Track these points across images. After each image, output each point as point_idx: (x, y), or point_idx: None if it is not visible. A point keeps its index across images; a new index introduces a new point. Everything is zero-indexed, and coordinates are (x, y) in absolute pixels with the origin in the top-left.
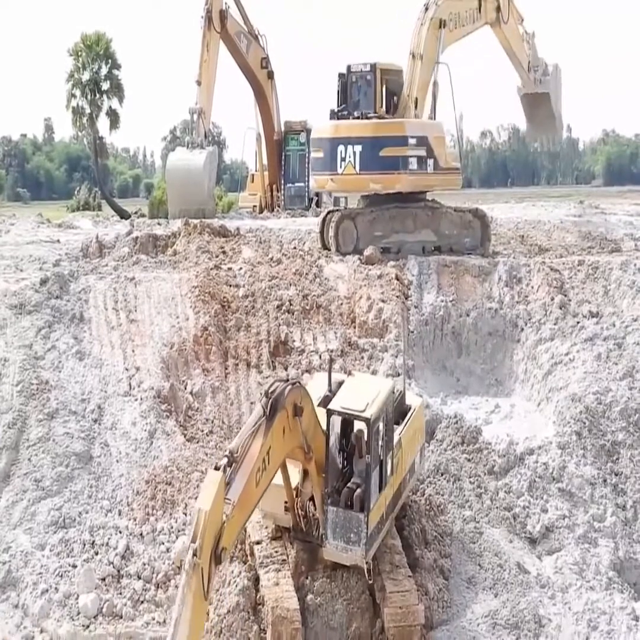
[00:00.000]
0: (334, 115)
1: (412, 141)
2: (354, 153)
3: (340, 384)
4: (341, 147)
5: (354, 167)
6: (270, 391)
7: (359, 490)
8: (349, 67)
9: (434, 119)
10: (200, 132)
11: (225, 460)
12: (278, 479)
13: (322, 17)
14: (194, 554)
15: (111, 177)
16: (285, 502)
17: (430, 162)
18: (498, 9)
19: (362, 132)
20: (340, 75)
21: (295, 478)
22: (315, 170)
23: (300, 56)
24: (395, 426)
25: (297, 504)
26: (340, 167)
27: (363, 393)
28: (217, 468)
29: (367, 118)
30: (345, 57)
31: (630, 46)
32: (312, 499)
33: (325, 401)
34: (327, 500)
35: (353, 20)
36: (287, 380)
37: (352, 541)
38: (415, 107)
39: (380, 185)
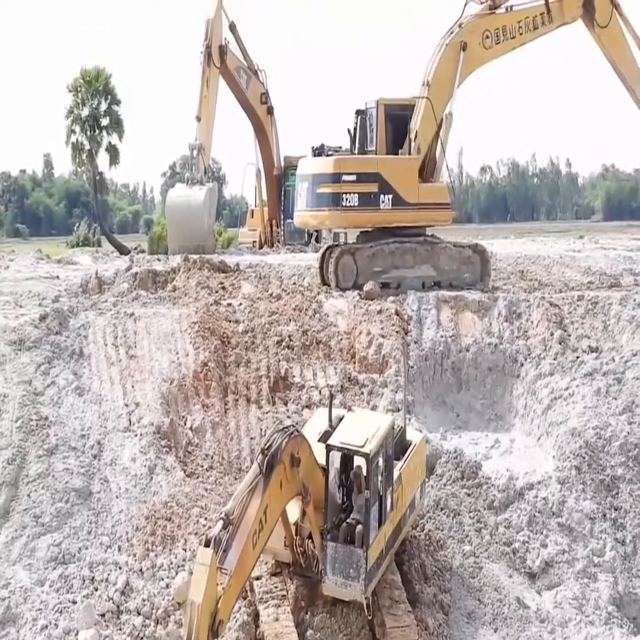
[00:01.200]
0: (313, 152)
1: (349, 178)
2: (305, 190)
3: (341, 419)
4: (302, 184)
5: (304, 204)
6: (266, 447)
7: (358, 526)
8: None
9: (444, 154)
10: (200, 168)
11: (218, 527)
12: None
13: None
14: None
15: (111, 213)
16: (285, 538)
17: (387, 198)
18: (586, 4)
19: (310, 170)
20: (358, 112)
21: (294, 514)
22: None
23: (304, 91)
24: (395, 462)
25: (296, 540)
26: (298, 203)
27: (362, 428)
28: (207, 544)
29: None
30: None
31: None
32: (311, 535)
33: (325, 436)
34: (327, 536)
35: (366, 51)
36: (284, 429)
37: (351, 577)
38: (414, 139)
39: (317, 222)
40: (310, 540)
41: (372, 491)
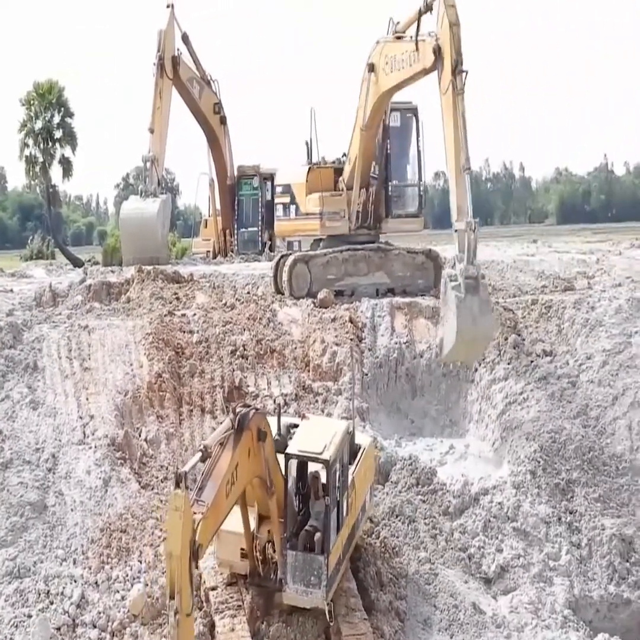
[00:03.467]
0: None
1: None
2: None
3: (290, 427)
4: None
5: None
6: (236, 409)
7: (317, 533)
8: None
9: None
10: (154, 180)
11: (192, 461)
12: (233, 526)
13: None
14: (176, 613)
15: (64, 225)
16: (242, 549)
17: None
18: (437, 52)
19: None
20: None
21: (252, 523)
22: None
23: (256, 98)
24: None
25: (255, 548)
26: None
27: (319, 435)
28: (177, 482)
29: None
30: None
31: (583, 85)
32: (270, 542)
33: (277, 445)
34: (286, 545)
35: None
36: (250, 406)
37: (312, 584)
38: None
39: None
40: (271, 547)
41: (332, 497)
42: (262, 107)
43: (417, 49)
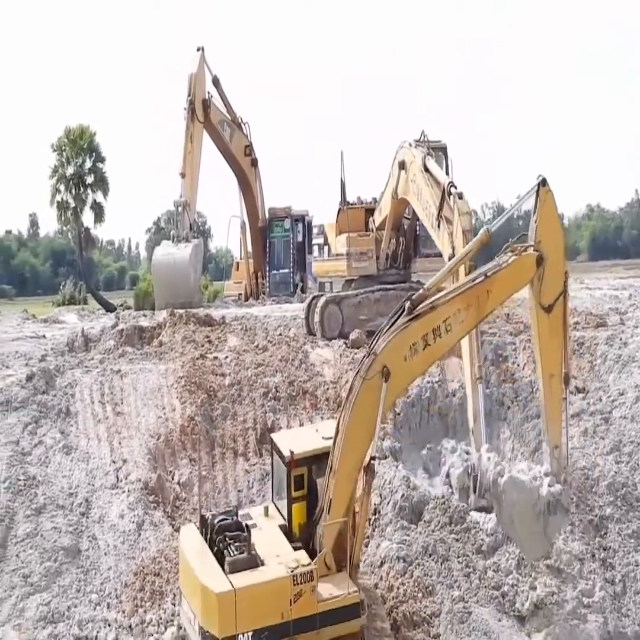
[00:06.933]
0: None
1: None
2: None
3: None
4: None
5: None
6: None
7: None
8: None
9: None
10: (185, 225)
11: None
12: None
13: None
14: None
15: (96, 270)
16: None
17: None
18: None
19: None
20: None
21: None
22: None
23: (288, 141)
24: None
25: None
26: None
27: None
28: None
29: None
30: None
31: (613, 120)
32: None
33: None
34: None
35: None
36: None
37: None
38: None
39: None
40: None
41: None
42: (294, 148)
43: (438, 225)
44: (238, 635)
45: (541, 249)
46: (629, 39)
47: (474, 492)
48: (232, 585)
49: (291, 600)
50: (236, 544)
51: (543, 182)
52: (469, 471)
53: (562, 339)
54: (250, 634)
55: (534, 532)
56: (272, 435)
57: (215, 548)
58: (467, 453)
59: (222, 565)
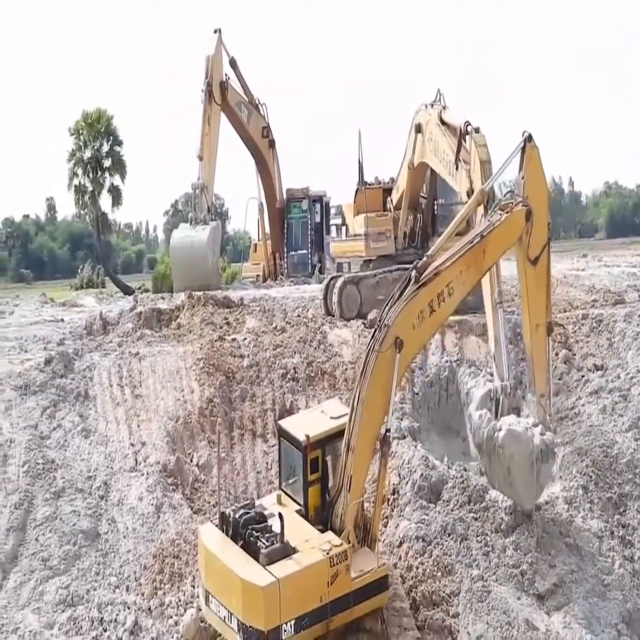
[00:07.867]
0: None
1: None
2: None
3: None
4: None
5: None
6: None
7: None
8: None
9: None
10: (203, 208)
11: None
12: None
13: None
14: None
15: (114, 254)
16: None
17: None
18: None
19: None
20: None
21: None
22: None
23: (305, 122)
24: None
25: None
26: None
27: None
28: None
29: None
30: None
31: (631, 97)
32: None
33: None
34: None
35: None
36: None
37: None
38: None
39: None
40: None
41: None
42: (312, 129)
43: (456, 168)
44: (282, 625)
45: (529, 204)
46: (629, 39)
47: (496, 417)
48: (274, 576)
49: (328, 582)
50: (266, 535)
51: (529, 138)
52: (492, 395)
53: (547, 289)
54: (292, 622)
55: (527, 481)
56: (280, 422)
57: (240, 543)
58: (491, 375)
59: (254, 558)
